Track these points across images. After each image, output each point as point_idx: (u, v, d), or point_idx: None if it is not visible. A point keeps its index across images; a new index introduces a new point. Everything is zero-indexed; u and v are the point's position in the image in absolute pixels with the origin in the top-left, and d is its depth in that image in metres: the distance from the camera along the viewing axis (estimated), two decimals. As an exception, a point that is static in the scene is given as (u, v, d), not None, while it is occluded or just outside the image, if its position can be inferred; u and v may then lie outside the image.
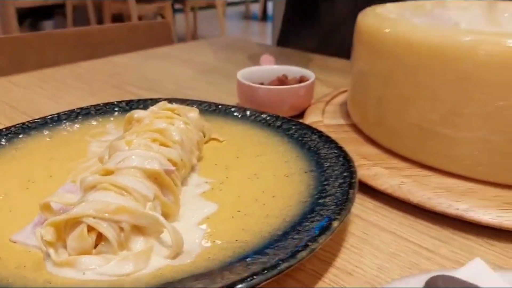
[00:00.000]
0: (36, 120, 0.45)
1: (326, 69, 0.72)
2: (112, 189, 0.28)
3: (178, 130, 0.37)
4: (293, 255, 0.25)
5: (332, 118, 0.50)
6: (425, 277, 0.23)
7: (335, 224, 0.28)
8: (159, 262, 0.27)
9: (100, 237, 0.27)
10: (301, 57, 0.79)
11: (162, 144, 0.34)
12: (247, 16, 5.39)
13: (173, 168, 0.32)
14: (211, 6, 3.93)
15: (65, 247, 0.27)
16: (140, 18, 3.71)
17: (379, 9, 0.46)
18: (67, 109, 0.55)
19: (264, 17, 5.13)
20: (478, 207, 0.32)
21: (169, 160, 0.33)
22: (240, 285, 0.23)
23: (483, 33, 0.34)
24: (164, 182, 0.31)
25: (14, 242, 0.29)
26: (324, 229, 0.28)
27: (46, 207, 0.30)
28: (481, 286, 0.22)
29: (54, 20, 4.07)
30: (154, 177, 0.30)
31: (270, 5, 4.95)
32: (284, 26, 0.89)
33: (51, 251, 0.27)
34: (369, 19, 0.43)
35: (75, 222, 0.27)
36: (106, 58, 0.78)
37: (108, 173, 0.30)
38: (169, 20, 3.62)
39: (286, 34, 0.88)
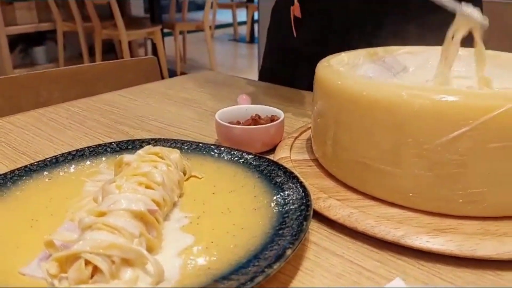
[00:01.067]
0: (36, 163, 0.51)
1: (302, 101, 0.79)
2: (105, 229, 0.34)
3: (160, 173, 0.43)
4: (251, 279, 0.32)
5: (299, 153, 0.56)
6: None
7: (289, 252, 0.35)
8: (144, 289, 0.33)
9: (96, 269, 0.33)
10: (279, 90, 0.86)
11: (147, 187, 0.40)
12: (235, 39, 5.50)
13: (156, 208, 0.38)
14: (200, 29, 4.03)
15: (66, 278, 0.33)
16: (130, 43, 3.80)
17: (334, 59, 0.53)
18: (63, 148, 0.62)
19: (251, 39, 5.25)
20: (412, 234, 0.39)
21: (153, 200, 0.39)
22: (207, 305, 0.29)
23: (417, 88, 0.41)
24: (148, 220, 0.37)
25: (23, 275, 0.35)
26: (279, 257, 0.34)
27: (50, 244, 0.36)
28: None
29: (45, 46, 4.15)
30: (140, 216, 0.37)
31: (257, 27, 5.08)
32: (264, 64, 0.97)
33: (55, 281, 0.33)
34: (324, 71, 0.50)
35: (75, 257, 0.33)
36: (97, 96, 0.85)
37: (102, 214, 0.36)
38: (159, 44, 3.71)
39: (266, 73, 0.95)
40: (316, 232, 0.43)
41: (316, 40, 0.84)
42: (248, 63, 4.66)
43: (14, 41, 3.97)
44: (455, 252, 0.37)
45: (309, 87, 0.53)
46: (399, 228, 0.40)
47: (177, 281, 0.34)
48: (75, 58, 4.25)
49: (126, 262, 0.34)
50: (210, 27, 4.14)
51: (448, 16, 0.49)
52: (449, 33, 0.50)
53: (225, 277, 0.33)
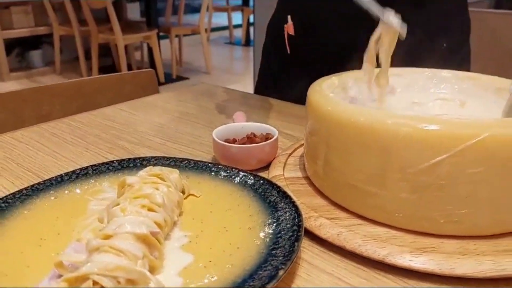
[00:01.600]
0: (43, 182, 0.54)
1: (297, 115, 0.82)
2: (111, 251, 0.37)
3: (161, 194, 0.46)
4: (247, 299, 0.34)
5: (292, 170, 0.59)
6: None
7: (281, 273, 0.37)
8: (147, 307, 0.35)
9: (103, 289, 0.36)
10: (274, 105, 0.89)
11: (149, 209, 0.43)
12: (231, 41, 5.53)
13: (158, 230, 0.41)
14: (196, 32, 4.06)
15: (75, 297, 0.36)
16: (126, 46, 3.82)
17: (325, 83, 0.56)
18: (65, 164, 0.65)
19: (247, 42, 5.28)
20: (396, 253, 0.42)
21: (155, 222, 0.42)
22: (206, 324, 0.32)
23: (402, 117, 0.44)
24: (151, 242, 0.40)
25: (34, 293, 0.38)
26: (272, 278, 0.37)
27: (60, 265, 0.38)
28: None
29: (41, 49, 4.16)
30: (143, 239, 0.39)
31: (252, 30, 5.11)
32: (260, 79, 0.99)
33: (65, 301, 0.36)
34: (315, 96, 0.53)
35: (83, 278, 0.36)
36: (98, 110, 0.87)
37: (108, 237, 0.39)
38: (156, 48, 3.73)
39: (262, 86, 0.98)
40: (307, 250, 0.46)
41: (310, 56, 0.87)
42: (243, 66, 4.69)
43: (11, 45, 3.98)
44: (435, 271, 0.40)
45: (304, 100, 0.56)
46: (384, 247, 0.43)
47: (178, 300, 0.37)
48: (71, 62, 4.27)
49: (131, 282, 0.37)
50: (206, 30, 4.16)
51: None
52: (373, 38, 0.55)
53: (222, 296, 0.36)
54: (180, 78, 4.11)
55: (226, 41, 5.63)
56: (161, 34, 3.94)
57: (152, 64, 3.93)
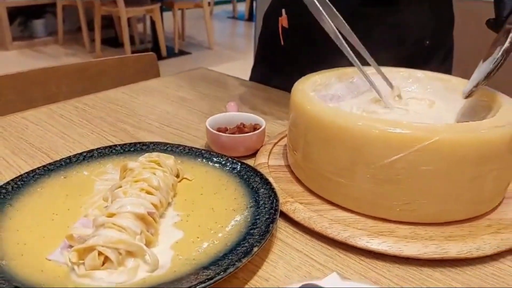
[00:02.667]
0: (53, 163, 0.61)
1: (287, 105, 0.89)
2: (114, 227, 0.44)
3: (158, 179, 0.53)
4: (225, 270, 0.42)
5: (276, 159, 0.66)
6: (298, 285, 0.39)
7: (255, 249, 0.45)
8: (143, 274, 0.43)
9: (106, 259, 0.43)
10: (268, 93, 0.96)
11: (147, 192, 0.50)
12: (234, 16, 5.51)
13: (154, 210, 0.48)
14: (198, 6, 4.06)
15: (83, 264, 0.43)
16: (129, 19, 3.83)
17: (308, 81, 0.63)
18: (73, 145, 0.72)
19: (250, 17, 5.27)
20: (356, 235, 0.49)
21: (152, 203, 0.49)
22: (191, 289, 0.39)
23: (371, 119, 0.51)
24: (148, 220, 0.47)
25: (50, 260, 0.45)
26: (247, 253, 0.44)
27: (70, 237, 0.46)
28: (331, 290, 0.39)
29: (44, 19, 4.17)
30: (141, 218, 0.47)
31: (255, 5, 5.08)
32: (255, 66, 1.05)
33: (75, 267, 0.43)
34: (297, 94, 0.59)
35: (90, 249, 0.43)
36: (102, 93, 0.94)
37: (111, 215, 0.46)
38: (158, 22, 3.75)
39: (257, 73, 1.04)
40: (283, 230, 0.53)
41: (302, 49, 0.92)
42: (246, 42, 4.70)
43: (14, 14, 3.99)
44: (387, 252, 0.48)
45: None
46: (346, 230, 0.50)
47: (169, 269, 0.44)
48: (74, 32, 4.28)
49: (130, 253, 0.44)
50: (209, 3, 4.16)
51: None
52: None
53: (205, 267, 0.43)
54: (182, 53, 4.13)
55: (229, 16, 5.61)
56: (164, 7, 3.95)
57: (155, 38, 3.96)
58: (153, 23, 3.89)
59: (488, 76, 0.54)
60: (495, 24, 0.59)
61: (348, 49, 0.60)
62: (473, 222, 0.53)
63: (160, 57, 3.89)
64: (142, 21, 4.50)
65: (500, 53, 0.53)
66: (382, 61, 0.69)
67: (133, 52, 3.77)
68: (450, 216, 0.52)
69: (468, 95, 0.58)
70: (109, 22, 4.18)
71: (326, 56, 0.86)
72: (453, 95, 0.64)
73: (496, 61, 0.53)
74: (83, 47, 4.06)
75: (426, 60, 0.90)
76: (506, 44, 0.53)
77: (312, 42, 0.90)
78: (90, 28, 3.91)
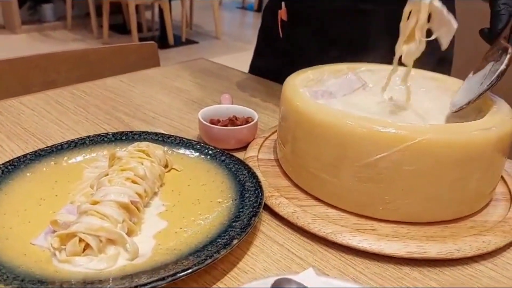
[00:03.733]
0: (45, 148, 0.61)
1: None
2: (97, 215, 0.45)
3: (144, 168, 0.53)
4: (203, 261, 0.42)
5: (266, 152, 0.66)
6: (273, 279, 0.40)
7: (235, 242, 0.45)
8: (123, 262, 0.44)
9: (87, 245, 0.44)
10: (266, 86, 0.96)
11: (133, 181, 0.51)
12: (243, 6, 5.48)
13: (138, 199, 0.49)
14: (207, -4, 4.04)
15: (65, 249, 0.44)
16: (137, 6, 3.83)
17: (300, 77, 0.63)
18: (67, 132, 0.72)
19: (259, 7, 5.24)
20: (338, 231, 0.50)
21: (136, 193, 0.50)
22: (168, 279, 0.40)
23: (359, 118, 0.50)
24: (131, 209, 0.48)
25: (33, 245, 0.46)
26: (227, 245, 0.45)
27: (54, 223, 0.47)
28: (307, 286, 0.40)
29: (53, 4, 4.18)
30: (124, 206, 0.47)
31: (266, -4, 5.05)
32: (254, 58, 1.05)
33: (57, 252, 0.44)
34: (288, 90, 0.59)
35: (72, 235, 0.44)
36: (100, 80, 0.94)
37: (95, 203, 0.47)
38: (166, 10, 3.74)
39: (256, 65, 1.04)
40: (267, 224, 0.54)
41: (301, 43, 0.92)
42: (253, 33, 4.66)
43: (23, -3, 4.00)
44: (367, 249, 0.48)
45: None
46: (328, 226, 0.50)
47: (149, 258, 0.45)
48: (82, 18, 4.29)
49: (111, 241, 0.45)
50: (218, -6, 4.15)
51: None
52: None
53: (184, 258, 0.44)
54: (189, 42, 4.13)
55: (239, 6, 5.59)
56: (172, -4, 3.94)
57: (162, 25, 3.95)
58: (161, 11, 3.88)
59: (480, 95, 0.54)
60: (489, 36, 0.57)
61: None
62: (457, 223, 0.53)
63: (167, 46, 3.88)
64: (151, 9, 4.49)
65: (495, 75, 0.52)
66: (379, 58, 0.69)
67: (140, 39, 3.77)
68: (432, 216, 0.52)
69: (458, 111, 0.57)
70: (117, 8, 4.18)
71: (324, 50, 0.86)
72: (444, 96, 0.64)
73: (490, 83, 0.53)
74: (91, 33, 4.06)
75: (424, 58, 0.89)
76: (502, 66, 0.52)
77: (310, 35, 0.90)
78: (99, 14, 3.91)
